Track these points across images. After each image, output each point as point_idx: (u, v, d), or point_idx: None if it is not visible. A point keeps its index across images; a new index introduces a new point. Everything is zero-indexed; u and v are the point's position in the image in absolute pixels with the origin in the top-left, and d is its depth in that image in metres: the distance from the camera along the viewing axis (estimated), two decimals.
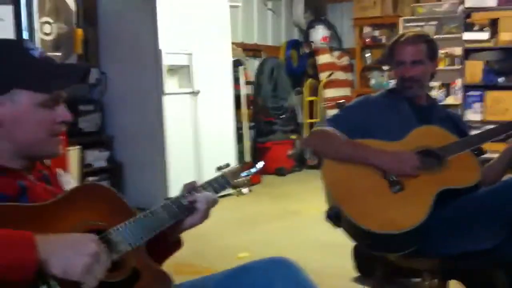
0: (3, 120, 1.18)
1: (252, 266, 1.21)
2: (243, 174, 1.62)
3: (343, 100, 2.48)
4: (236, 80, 5.60)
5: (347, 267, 2.95)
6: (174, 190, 4.52)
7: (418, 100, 2.19)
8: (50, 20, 4.24)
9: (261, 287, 1.15)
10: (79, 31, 4.63)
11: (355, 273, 2.94)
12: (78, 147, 4.43)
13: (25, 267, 0.97)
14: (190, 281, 1.30)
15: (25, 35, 2.44)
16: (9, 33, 3.10)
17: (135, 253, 1.21)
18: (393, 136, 2.03)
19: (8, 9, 3.21)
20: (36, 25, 2.39)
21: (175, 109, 4.65)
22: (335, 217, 1.91)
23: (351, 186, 1.94)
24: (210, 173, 1.53)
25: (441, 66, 5.99)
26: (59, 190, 1.30)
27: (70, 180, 1.41)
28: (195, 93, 4.82)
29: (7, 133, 1.20)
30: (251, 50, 6.59)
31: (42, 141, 1.23)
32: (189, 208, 1.37)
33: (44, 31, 4.02)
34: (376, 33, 7.15)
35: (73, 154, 4.28)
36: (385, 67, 6.89)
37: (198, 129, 4.86)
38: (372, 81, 7.09)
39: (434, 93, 6.12)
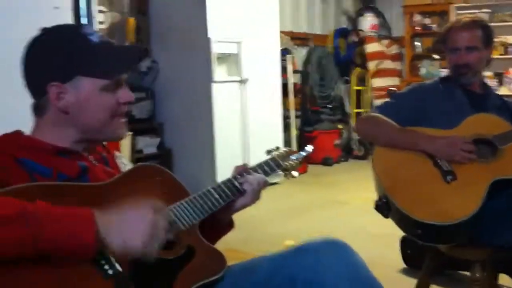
0: (68, 107, 1.22)
1: (306, 245, 1.22)
2: (293, 157, 1.64)
3: (393, 88, 2.45)
4: (284, 69, 5.61)
5: (394, 257, 2.92)
6: (222, 176, 4.50)
7: (473, 87, 2.14)
8: (104, 9, 4.36)
9: (312, 265, 1.16)
10: (131, 20, 4.73)
11: (402, 264, 2.92)
12: (130, 133, 4.54)
13: (86, 246, 1.00)
14: (243, 262, 1.32)
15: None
16: (66, 21, 3.20)
17: (190, 232, 1.25)
18: (447, 124, 2.00)
19: None
20: (95, 13, 2.46)
21: (223, 97, 4.70)
22: (384, 207, 1.89)
23: (402, 175, 1.91)
24: (257, 161, 1.53)
25: (494, 55, 5.82)
26: (117, 172, 1.34)
27: (127, 162, 1.45)
28: (243, 81, 4.85)
29: (72, 119, 1.24)
30: (299, 39, 6.56)
31: (107, 124, 1.26)
32: (240, 190, 1.39)
33: (98, 20, 4.14)
34: (427, 20, 6.99)
35: (125, 140, 4.38)
36: (436, 56, 6.74)
37: (245, 117, 4.90)
38: (422, 71, 6.94)
39: None
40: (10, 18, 3.20)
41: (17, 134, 1.25)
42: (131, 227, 1.05)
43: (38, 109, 1.25)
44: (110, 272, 1.05)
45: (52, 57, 1.22)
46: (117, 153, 1.46)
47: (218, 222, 1.42)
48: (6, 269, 0.95)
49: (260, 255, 1.32)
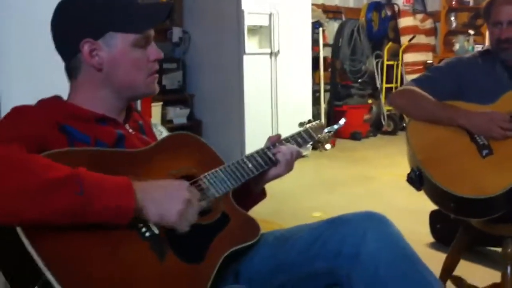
0: (101, 64, 1.24)
1: (347, 218, 1.23)
2: (326, 130, 1.64)
3: (431, 61, 2.41)
4: (315, 42, 5.56)
5: (423, 232, 2.92)
6: (250, 148, 4.54)
7: None
8: None
9: (352, 236, 1.17)
10: None
11: (431, 239, 2.91)
12: (160, 103, 4.58)
13: (123, 213, 1.02)
14: (279, 231, 1.34)
15: None
16: None
17: (224, 199, 1.27)
18: (485, 99, 1.96)
19: None
20: None
21: (254, 69, 4.69)
22: (417, 179, 1.88)
23: (437, 149, 1.89)
24: (286, 134, 1.54)
25: None
26: (153, 140, 1.36)
27: (163, 130, 1.48)
28: (274, 54, 4.83)
29: (106, 77, 1.25)
30: (332, 12, 6.48)
31: (140, 80, 1.27)
32: (273, 160, 1.41)
33: None
34: None
35: (156, 110, 4.43)
36: (471, 31, 6.58)
37: (275, 89, 4.89)
38: (456, 46, 6.79)
39: None
40: None
41: (57, 99, 1.27)
42: (167, 202, 1.08)
43: (72, 71, 1.27)
44: (147, 234, 1.08)
45: (84, 14, 1.24)
46: (153, 121, 1.47)
47: (250, 192, 1.44)
48: (52, 233, 0.98)
49: (288, 226, 1.33)
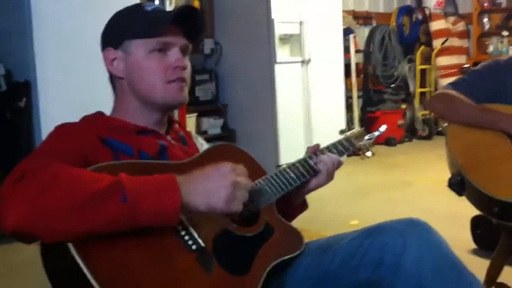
0: (122, 71, 1.27)
1: (387, 225, 1.21)
2: (366, 137, 1.64)
3: (467, 65, 2.38)
4: (346, 49, 5.54)
5: (464, 238, 2.87)
6: (285, 157, 4.60)
7: None
8: None
9: (394, 245, 1.15)
10: (196, 3, 4.79)
11: (472, 245, 2.86)
12: (194, 114, 4.64)
13: (171, 212, 1.01)
14: (320, 240, 1.32)
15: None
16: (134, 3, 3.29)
17: (267, 210, 1.27)
18: None
19: None
20: None
21: (286, 78, 4.70)
22: (459, 184, 1.86)
23: (478, 153, 1.88)
24: (319, 141, 1.53)
25: None
26: (194, 151, 1.37)
27: (203, 142, 1.49)
28: (305, 62, 4.83)
29: (130, 85, 1.28)
30: (362, 18, 6.46)
31: (157, 86, 1.26)
32: (315, 169, 1.40)
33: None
34: None
35: (190, 121, 4.48)
36: (504, 33, 6.47)
37: (308, 97, 4.89)
38: (490, 48, 6.69)
39: None
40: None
41: (99, 115, 1.30)
42: (214, 188, 1.06)
43: (112, 84, 1.32)
44: (194, 247, 1.08)
45: (109, 26, 1.30)
46: (193, 134, 1.49)
47: (292, 203, 1.43)
48: (99, 245, 0.99)
49: (325, 234, 1.32)
